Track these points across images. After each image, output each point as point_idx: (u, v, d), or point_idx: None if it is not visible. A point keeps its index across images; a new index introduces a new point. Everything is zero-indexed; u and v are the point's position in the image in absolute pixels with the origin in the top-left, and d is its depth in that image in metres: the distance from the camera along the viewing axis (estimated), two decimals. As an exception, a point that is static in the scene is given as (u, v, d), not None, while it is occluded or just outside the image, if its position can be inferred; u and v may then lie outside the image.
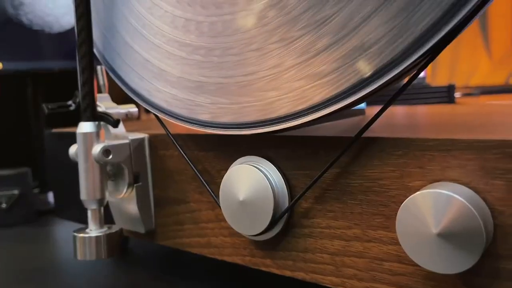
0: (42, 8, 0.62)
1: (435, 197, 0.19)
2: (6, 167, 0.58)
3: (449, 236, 0.19)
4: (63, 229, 0.55)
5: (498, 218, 0.19)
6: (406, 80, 0.21)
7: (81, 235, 0.31)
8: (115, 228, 0.32)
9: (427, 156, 0.21)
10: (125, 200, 0.33)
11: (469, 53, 1.50)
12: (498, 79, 1.45)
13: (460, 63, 1.48)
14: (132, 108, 0.36)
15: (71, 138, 0.40)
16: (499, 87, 1.15)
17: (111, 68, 0.32)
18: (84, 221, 0.41)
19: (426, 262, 0.20)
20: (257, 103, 0.24)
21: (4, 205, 0.55)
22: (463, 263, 0.19)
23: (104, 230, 0.31)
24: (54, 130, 0.43)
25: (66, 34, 0.63)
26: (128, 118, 0.35)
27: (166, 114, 0.29)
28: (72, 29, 0.65)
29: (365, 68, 0.20)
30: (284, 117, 0.23)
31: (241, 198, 0.26)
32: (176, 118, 0.28)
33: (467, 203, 0.18)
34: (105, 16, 0.32)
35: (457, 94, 0.84)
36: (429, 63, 0.20)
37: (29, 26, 0.61)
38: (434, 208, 0.19)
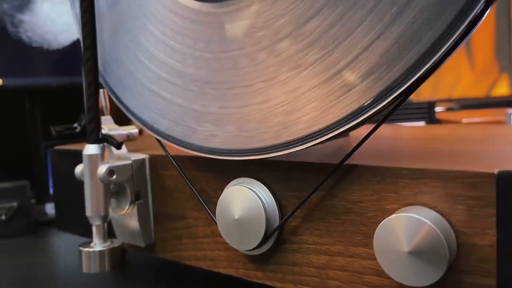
0: (41, 25, 0.64)
1: (407, 220, 0.22)
2: (4, 180, 0.60)
3: (418, 254, 0.22)
4: (61, 239, 0.57)
5: (460, 238, 0.22)
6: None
7: (86, 249, 0.33)
8: (117, 243, 0.34)
9: (401, 183, 0.24)
10: (127, 216, 0.36)
11: (452, 65, 1.55)
12: (480, 91, 1.49)
13: (443, 75, 1.52)
14: (133, 130, 0.38)
15: (74, 156, 0.43)
16: (480, 100, 1.19)
17: (112, 91, 0.35)
18: (84, 234, 0.43)
19: (399, 276, 0.23)
20: (264, 130, 0.27)
21: (3, 217, 0.56)
22: (431, 277, 0.22)
23: (108, 244, 0.34)
24: (58, 148, 0.45)
25: (64, 51, 0.65)
26: (129, 138, 0.38)
27: (166, 138, 0.32)
28: (70, 45, 0.67)
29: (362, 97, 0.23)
30: (283, 144, 0.26)
31: (236, 217, 0.29)
32: (175, 143, 0.31)
33: (434, 226, 0.21)
34: (109, 44, 0.34)
35: (439, 108, 0.87)
36: (404, 101, 0.23)
37: (29, 43, 0.63)
38: (406, 229, 0.22)
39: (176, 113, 0.30)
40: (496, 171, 0.21)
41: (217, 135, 0.28)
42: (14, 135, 0.66)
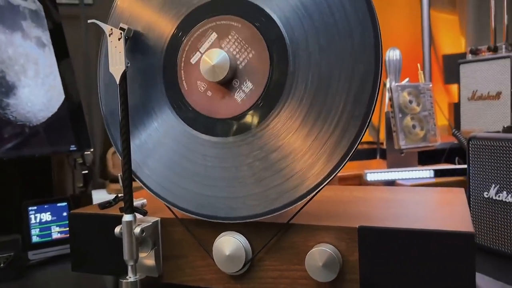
0: (23, 106, 0.81)
1: (320, 250, 0.47)
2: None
3: (325, 266, 0.47)
4: (46, 280, 0.73)
5: (344, 257, 0.48)
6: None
7: (125, 280, 0.53)
8: (142, 276, 0.54)
9: (315, 232, 0.49)
10: (145, 257, 0.56)
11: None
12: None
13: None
14: (144, 200, 0.59)
15: (86, 217, 0.61)
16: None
17: (166, 200, 0.55)
18: (94, 271, 0.61)
19: (318, 277, 0.48)
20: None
21: (2, 265, 0.71)
22: (331, 276, 0.47)
23: (137, 277, 0.54)
24: (74, 212, 0.63)
25: (42, 126, 0.82)
26: (142, 206, 0.58)
27: (198, 215, 0.53)
28: (47, 120, 0.83)
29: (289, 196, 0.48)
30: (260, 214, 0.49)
31: (227, 254, 0.52)
32: (207, 218, 0.52)
33: (332, 252, 0.47)
34: (159, 174, 0.55)
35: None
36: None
37: (15, 122, 0.79)
38: (319, 255, 0.47)
39: (207, 201, 0.52)
40: (357, 226, 0.47)
41: (235, 208, 0.51)
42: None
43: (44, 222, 0.80)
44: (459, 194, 0.64)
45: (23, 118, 0.80)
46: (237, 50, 0.50)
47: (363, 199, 0.63)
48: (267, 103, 0.49)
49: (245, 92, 0.50)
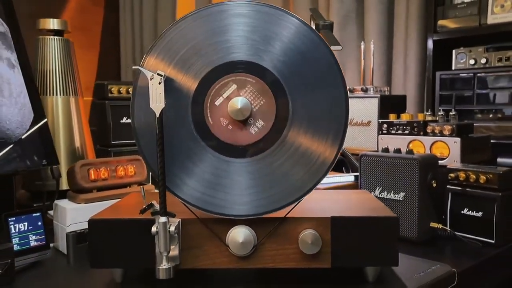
0: (3, 124, 0.87)
1: (308, 234, 0.72)
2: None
3: (312, 242, 0.72)
4: (34, 283, 0.81)
5: (322, 237, 0.73)
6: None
7: (161, 267, 0.69)
8: (172, 264, 0.71)
9: (303, 221, 0.73)
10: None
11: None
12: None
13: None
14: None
15: (105, 222, 0.74)
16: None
17: (181, 198, 0.72)
18: (112, 265, 0.75)
19: (308, 251, 0.72)
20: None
21: (1, 271, 0.77)
22: (316, 250, 0.72)
23: (170, 264, 0.70)
24: (92, 218, 0.75)
25: (19, 143, 0.88)
26: (162, 211, 0.74)
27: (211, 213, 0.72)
28: (24, 137, 0.89)
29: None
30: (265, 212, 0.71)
31: (240, 241, 0.72)
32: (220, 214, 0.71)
33: (316, 233, 0.72)
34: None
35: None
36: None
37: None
38: (307, 236, 0.72)
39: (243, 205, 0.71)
40: (330, 216, 0.73)
41: (250, 208, 0.71)
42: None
43: (22, 231, 0.87)
44: (368, 194, 0.95)
45: (4, 135, 0.86)
46: (252, 97, 0.71)
47: (315, 199, 0.90)
48: (277, 129, 0.72)
49: (258, 127, 0.72)
